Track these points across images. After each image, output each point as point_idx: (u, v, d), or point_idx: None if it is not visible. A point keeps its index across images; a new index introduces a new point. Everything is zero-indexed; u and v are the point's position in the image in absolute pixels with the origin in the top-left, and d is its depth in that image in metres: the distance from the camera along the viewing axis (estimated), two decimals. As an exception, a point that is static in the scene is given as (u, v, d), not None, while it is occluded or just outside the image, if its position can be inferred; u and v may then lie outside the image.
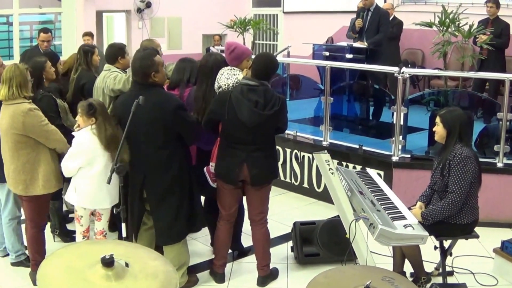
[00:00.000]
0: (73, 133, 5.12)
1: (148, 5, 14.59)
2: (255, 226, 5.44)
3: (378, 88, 9.14)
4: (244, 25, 10.89)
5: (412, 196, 5.58)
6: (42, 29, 9.24)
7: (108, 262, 2.57)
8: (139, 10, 14.61)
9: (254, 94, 4.99)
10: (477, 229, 5.14)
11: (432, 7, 10.08)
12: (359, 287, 2.76)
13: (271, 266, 5.60)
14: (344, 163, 7.52)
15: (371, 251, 4.94)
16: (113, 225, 5.84)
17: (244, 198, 5.47)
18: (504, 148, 6.96)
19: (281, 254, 6.14)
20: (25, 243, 5.71)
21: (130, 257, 2.76)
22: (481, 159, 5.17)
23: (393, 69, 7.41)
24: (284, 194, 7.99)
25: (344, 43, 10.28)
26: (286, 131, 5.77)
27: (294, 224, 5.98)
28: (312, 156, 7.47)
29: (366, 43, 9.53)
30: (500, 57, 9.26)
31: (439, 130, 5.04)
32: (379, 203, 4.83)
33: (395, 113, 7.24)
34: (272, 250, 5.65)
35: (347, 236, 4.69)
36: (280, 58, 11.16)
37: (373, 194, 4.99)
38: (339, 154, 7.64)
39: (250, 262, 5.77)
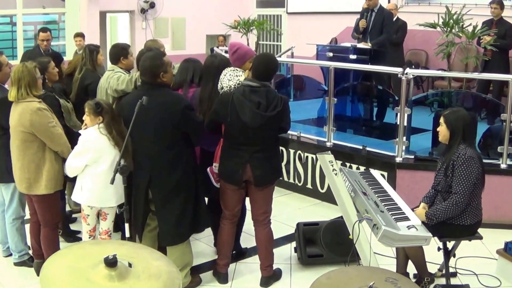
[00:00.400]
0: (80, 131, 5.15)
1: (152, 6, 14.61)
2: (258, 226, 5.44)
3: (382, 89, 9.13)
4: (248, 26, 10.91)
5: (415, 197, 5.57)
6: (41, 28, 9.31)
7: (111, 262, 2.57)
8: (143, 11, 14.63)
9: (256, 96, 4.99)
10: (480, 230, 5.13)
11: (436, 8, 10.06)
12: (362, 288, 2.77)
13: (274, 266, 5.59)
14: (348, 164, 7.52)
15: (374, 252, 4.93)
16: (116, 225, 5.84)
17: (247, 198, 5.47)
18: (508, 149, 6.94)
19: (284, 254, 6.14)
20: (29, 243, 5.74)
21: (133, 257, 2.75)
22: (484, 160, 5.16)
23: (397, 70, 7.40)
24: (287, 195, 7.98)
25: (348, 44, 10.28)
26: (290, 132, 5.77)
27: (298, 224, 5.98)
28: (316, 157, 7.46)
29: (370, 44, 9.53)
30: (504, 58, 9.25)
31: (443, 130, 5.03)
32: (383, 204, 4.83)
33: (398, 114, 7.23)
34: (275, 250, 5.64)
35: (351, 237, 4.68)
36: (284, 59, 11.22)
37: (376, 195, 4.99)
38: (342, 155, 7.63)
39: (253, 262, 5.76)
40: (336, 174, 4.93)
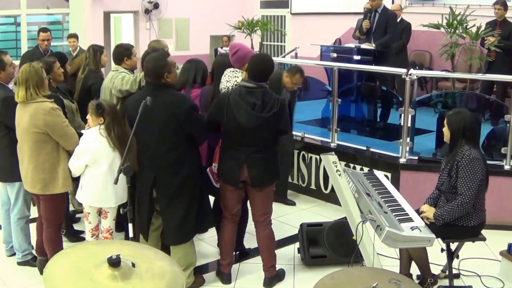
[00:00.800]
0: (82, 131, 5.17)
1: (156, 6, 14.62)
2: (259, 227, 5.44)
3: (386, 89, 9.12)
4: (252, 26, 10.91)
5: (419, 198, 5.56)
6: (42, 28, 9.35)
7: (114, 262, 2.57)
8: (147, 11, 14.64)
9: (252, 96, 4.99)
10: (484, 232, 5.13)
11: (439, 9, 10.04)
12: (365, 289, 2.77)
13: (278, 267, 5.60)
14: (352, 165, 7.52)
15: (377, 253, 4.93)
16: (120, 225, 5.85)
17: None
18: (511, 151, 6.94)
19: (287, 255, 6.14)
20: (33, 243, 5.74)
21: (137, 257, 2.76)
22: (488, 162, 5.16)
23: (401, 70, 7.39)
24: (291, 196, 7.96)
25: (352, 45, 10.27)
26: (294, 132, 5.76)
27: (301, 225, 5.98)
28: (320, 157, 7.46)
29: (373, 45, 9.52)
30: (508, 59, 9.21)
31: (445, 131, 5.06)
32: (386, 205, 4.83)
33: (402, 115, 7.23)
34: (279, 251, 5.65)
35: (354, 238, 4.69)
36: (288, 60, 11.22)
37: (380, 196, 4.99)
38: (346, 155, 7.63)
39: (256, 263, 5.76)
40: (340, 175, 4.93)
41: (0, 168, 5.55)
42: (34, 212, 5.81)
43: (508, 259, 5.55)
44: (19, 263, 5.76)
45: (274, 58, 10.16)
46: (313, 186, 8.01)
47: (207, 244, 6.36)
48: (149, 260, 2.81)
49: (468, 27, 7.34)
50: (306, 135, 8.31)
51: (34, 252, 5.74)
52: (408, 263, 5.33)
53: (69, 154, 5.18)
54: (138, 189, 5.13)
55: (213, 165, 5.47)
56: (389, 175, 7.04)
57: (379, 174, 5.58)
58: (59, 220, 5.42)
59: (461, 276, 5.60)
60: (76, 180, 5.29)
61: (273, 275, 5.52)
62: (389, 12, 9.88)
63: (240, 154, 5.11)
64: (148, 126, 4.76)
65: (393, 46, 9.73)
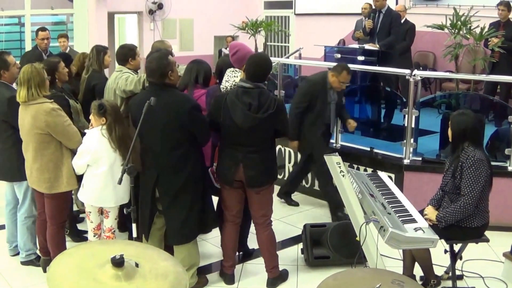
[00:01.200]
0: (85, 131, 5.19)
1: (160, 7, 14.64)
2: (259, 229, 5.44)
3: (390, 90, 9.12)
4: (256, 27, 10.90)
5: (423, 199, 5.56)
6: (40, 28, 9.30)
7: (118, 262, 2.58)
8: (151, 12, 14.66)
9: (248, 97, 4.99)
10: (487, 233, 5.12)
11: (443, 10, 10.05)
12: (368, 289, 2.77)
13: (281, 267, 5.60)
14: (355, 166, 7.52)
15: (381, 254, 4.93)
16: (123, 225, 5.85)
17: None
18: (515, 152, 6.93)
19: (291, 256, 6.14)
20: (37, 244, 5.76)
21: (140, 257, 2.76)
22: (491, 163, 5.15)
23: (405, 71, 7.39)
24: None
25: (356, 45, 10.27)
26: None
27: (305, 226, 5.98)
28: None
29: (377, 45, 9.51)
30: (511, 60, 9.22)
31: (449, 131, 5.06)
32: (390, 206, 4.82)
33: (406, 116, 7.22)
34: (282, 252, 5.66)
35: (358, 238, 4.68)
36: (292, 60, 11.23)
37: (383, 197, 4.98)
38: (350, 156, 7.62)
39: (260, 263, 5.76)
40: (343, 176, 4.93)
41: (7, 167, 5.58)
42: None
43: (511, 260, 5.54)
44: (23, 263, 5.78)
45: (278, 59, 10.20)
46: (316, 187, 7.99)
47: (211, 245, 6.37)
48: (152, 260, 2.81)
49: (472, 28, 7.33)
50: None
51: (38, 252, 5.75)
52: (412, 264, 5.32)
53: (73, 153, 5.21)
54: (141, 189, 5.14)
55: (213, 165, 5.47)
56: (392, 176, 7.03)
57: (383, 175, 5.57)
58: (62, 218, 5.45)
59: (464, 277, 5.60)
60: (81, 179, 5.31)
61: (276, 276, 5.52)
62: (393, 13, 9.89)
63: (237, 153, 5.12)
64: (151, 126, 4.77)
65: (396, 47, 9.73)
